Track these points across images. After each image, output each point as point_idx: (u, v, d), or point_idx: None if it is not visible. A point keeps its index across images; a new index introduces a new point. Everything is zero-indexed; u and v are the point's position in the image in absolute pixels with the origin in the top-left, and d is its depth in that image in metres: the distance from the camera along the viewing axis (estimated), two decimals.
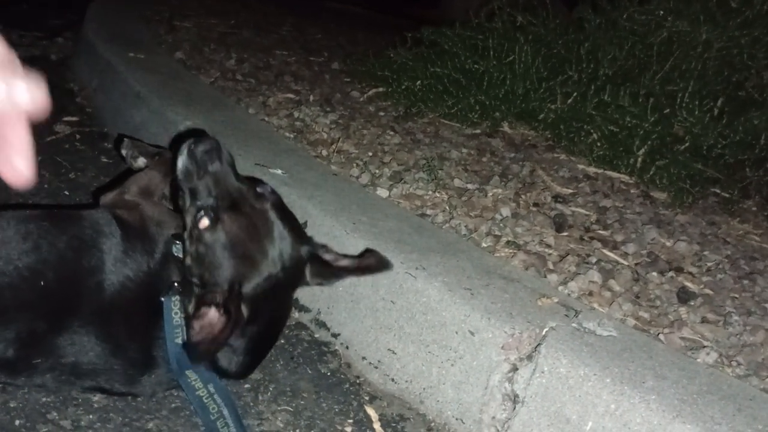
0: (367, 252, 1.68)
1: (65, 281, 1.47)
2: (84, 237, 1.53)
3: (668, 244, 2.16)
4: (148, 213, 1.66)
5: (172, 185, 1.71)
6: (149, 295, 1.52)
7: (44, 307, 1.44)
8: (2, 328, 1.39)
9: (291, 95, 3.06)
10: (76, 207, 2.14)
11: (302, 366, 1.77)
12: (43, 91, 0.62)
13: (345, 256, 1.66)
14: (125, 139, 1.96)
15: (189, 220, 1.54)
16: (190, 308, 1.51)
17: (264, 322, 1.56)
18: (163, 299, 1.51)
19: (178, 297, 1.52)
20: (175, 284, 1.54)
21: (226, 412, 1.43)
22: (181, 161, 1.54)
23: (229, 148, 1.61)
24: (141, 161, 1.90)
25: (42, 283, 1.44)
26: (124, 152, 1.92)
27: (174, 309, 1.50)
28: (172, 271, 1.56)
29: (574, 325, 1.54)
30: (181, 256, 1.56)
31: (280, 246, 1.51)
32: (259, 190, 1.57)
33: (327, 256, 1.63)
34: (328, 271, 1.62)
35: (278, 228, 1.52)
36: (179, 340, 1.47)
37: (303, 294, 1.91)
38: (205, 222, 1.48)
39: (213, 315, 1.43)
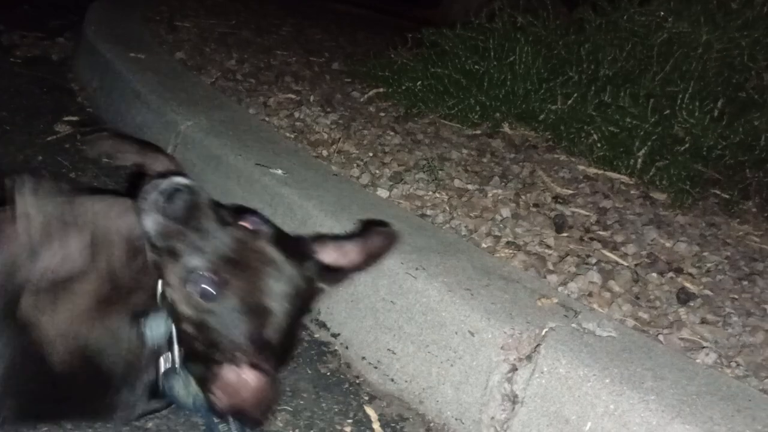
0: (367, 228, 1.51)
1: None
2: None
3: (668, 245, 2.16)
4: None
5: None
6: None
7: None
8: None
9: (291, 95, 3.06)
10: None
11: (302, 366, 1.78)
12: None
13: (344, 239, 1.54)
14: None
15: (175, 282, 1.34)
16: (199, 372, 1.37)
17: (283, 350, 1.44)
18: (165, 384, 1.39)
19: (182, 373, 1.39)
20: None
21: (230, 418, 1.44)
22: (151, 220, 1.31)
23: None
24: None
25: None
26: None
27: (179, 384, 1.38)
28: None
29: (573, 325, 1.54)
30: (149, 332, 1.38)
31: (288, 277, 1.37)
32: (249, 226, 1.41)
33: (328, 257, 1.50)
34: (336, 276, 1.52)
35: (280, 263, 1.37)
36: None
37: None
38: (207, 291, 1.30)
39: (240, 374, 1.32)
